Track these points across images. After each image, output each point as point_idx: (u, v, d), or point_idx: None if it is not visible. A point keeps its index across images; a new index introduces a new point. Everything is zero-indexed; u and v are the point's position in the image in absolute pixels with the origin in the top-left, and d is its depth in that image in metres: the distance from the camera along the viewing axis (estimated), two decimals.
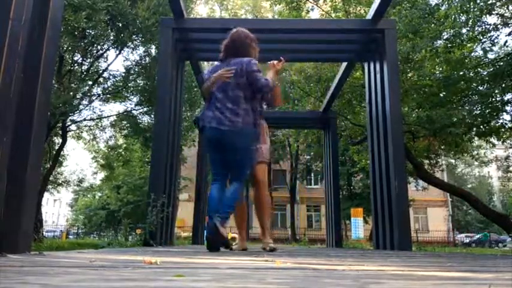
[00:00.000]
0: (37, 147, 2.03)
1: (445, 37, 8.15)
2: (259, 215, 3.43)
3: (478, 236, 26.91)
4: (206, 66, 24.96)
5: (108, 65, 10.59)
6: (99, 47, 9.42)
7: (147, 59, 9.97)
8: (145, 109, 10.98)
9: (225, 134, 2.88)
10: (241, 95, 2.95)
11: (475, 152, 13.86)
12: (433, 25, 7.97)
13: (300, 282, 0.98)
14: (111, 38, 8.80)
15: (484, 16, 7.67)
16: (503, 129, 8.86)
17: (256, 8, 24.29)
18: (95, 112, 11.66)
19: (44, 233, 13.83)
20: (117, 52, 9.76)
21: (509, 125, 8.90)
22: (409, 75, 9.42)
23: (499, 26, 7.91)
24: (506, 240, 25.93)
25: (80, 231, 25.93)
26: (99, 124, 12.86)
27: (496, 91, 8.31)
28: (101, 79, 10.63)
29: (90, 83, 9.95)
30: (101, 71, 10.68)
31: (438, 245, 15.81)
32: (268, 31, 5.47)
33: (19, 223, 1.87)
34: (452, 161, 16.13)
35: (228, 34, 3.28)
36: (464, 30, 7.97)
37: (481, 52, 8.56)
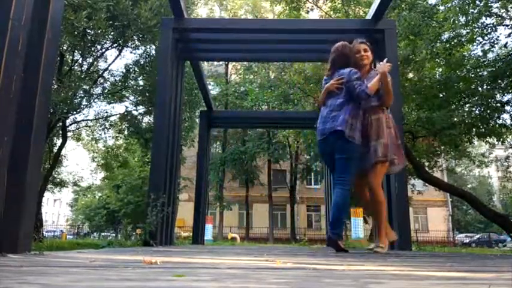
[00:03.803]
0: (37, 147, 2.03)
1: (444, 39, 8.16)
2: (374, 218, 3.44)
3: (503, 237, 26.31)
4: (206, 66, 24.90)
5: (109, 65, 10.60)
6: (99, 47, 9.42)
7: (148, 59, 9.97)
8: (145, 109, 10.98)
9: (325, 140, 3.27)
10: (342, 103, 3.24)
11: (474, 154, 13.85)
12: (432, 27, 7.98)
13: (300, 282, 0.98)
14: (112, 37, 8.81)
15: (483, 17, 7.68)
16: (504, 129, 8.86)
17: (256, 8, 24.30)
18: (99, 113, 11.70)
19: (44, 232, 13.84)
20: (118, 52, 9.77)
21: (510, 124, 8.90)
22: (410, 75, 9.43)
23: (496, 27, 7.92)
24: (506, 240, 25.91)
25: (80, 231, 25.95)
26: (99, 124, 12.85)
27: (496, 92, 8.32)
28: (101, 79, 10.63)
29: (90, 82, 9.95)
30: (101, 71, 10.69)
31: (438, 245, 15.80)
32: (268, 31, 5.47)
33: (19, 223, 1.87)
34: (452, 160, 16.12)
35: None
36: (463, 32, 7.98)
37: (480, 53, 8.57)
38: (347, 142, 3.17)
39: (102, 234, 23.72)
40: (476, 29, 7.95)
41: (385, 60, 3.29)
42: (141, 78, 10.40)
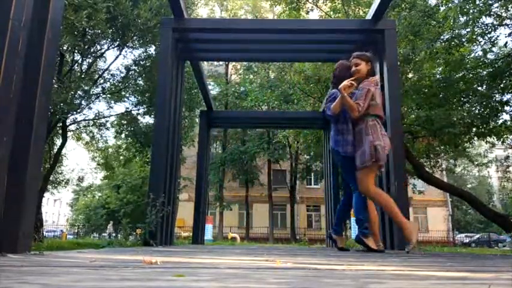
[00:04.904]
0: (37, 147, 2.03)
1: (445, 38, 8.16)
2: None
3: (503, 237, 26.15)
4: (206, 66, 24.91)
5: (109, 65, 10.61)
6: (99, 47, 9.42)
7: (148, 59, 9.97)
8: (145, 109, 10.99)
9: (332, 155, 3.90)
10: (331, 122, 3.80)
11: (474, 153, 13.84)
12: (431, 26, 7.97)
13: (300, 282, 0.98)
14: (112, 38, 8.81)
15: (483, 17, 7.68)
16: (503, 129, 8.85)
17: (256, 8, 24.30)
18: (98, 113, 11.70)
19: (45, 232, 13.83)
20: (118, 52, 9.77)
21: (510, 124, 8.90)
22: (409, 75, 9.43)
23: (496, 26, 7.92)
24: (505, 240, 25.91)
25: (80, 231, 25.94)
26: (98, 124, 12.84)
27: (495, 91, 8.32)
28: (101, 79, 10.63)
29: (90, 83, 9.95)
30: (101, 71, 10.69)
31: (438, 245, 15.81)
32: (268, 31, 5.47)
33: (19, 223, 1.87)
34: (452, 161, 16.14)
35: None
36: (463, 32, 7.98)
37: (480, 53, 8.57)
38: (339, 156, 3.65)
39: (103, 234, 23.68)
40: (477, 29, 7.95)
41: (346, 81, 3.47)
42: (140, 78, 10.41)
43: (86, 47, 8.79)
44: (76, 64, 10.05)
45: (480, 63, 8.56)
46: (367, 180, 3.39)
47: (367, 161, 3.34)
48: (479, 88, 8.72)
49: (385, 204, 3.38)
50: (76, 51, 9.31)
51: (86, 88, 9.54)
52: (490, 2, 7.52)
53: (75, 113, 10.02)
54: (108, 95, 10.97)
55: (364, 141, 3.41)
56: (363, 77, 3.55)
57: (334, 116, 3.61)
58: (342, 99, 3.44)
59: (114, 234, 22.02)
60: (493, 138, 9.32)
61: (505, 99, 8.54)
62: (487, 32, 7.99)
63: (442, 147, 10.84)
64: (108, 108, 11.71)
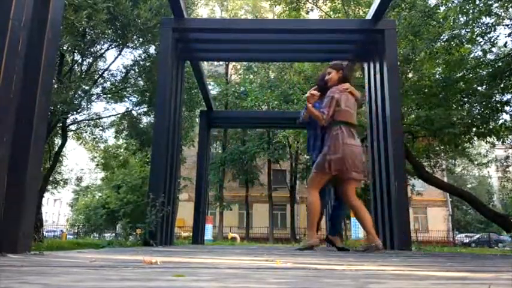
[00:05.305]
0: (37, 147, 2.03)
1: (444, 38, 8.16)
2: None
3: (503, 237, 26.14)
4: (206, 66, 24.92)
5: (109, 65, 10.60)
6: (99, 47, 9.42)
7: (148, 59, 9.97)
8: (145, 109, 10.99)
9: None
10: (307, 127, 4.20)
11: (475, 152, 13.85)
12: (431, 27, 7.98)
13: (300, 282, 0.98)
14: (112, 37, 8.81)
15: (483, 17, 7.68)
16: (503, 129, 8.85)
17: (256, 8, 24.31)
18: (97, 114, 11.70)
19: (45, 232, 13.82)
20: (118, 52, 9.77)
21: (509, 124, 8.89)
22: (409, 75, 9.43)
23: (496, 26, 7.92)
24: (505, 240, 25.89)
25: (80, 231, 25.92)
26: (99, 124, 12.84)
27: (495, 91, 8.32)
28: (101, 79, 10.64)
29: (90, 83, 9.95)
30: (101, 71, 10.69)
31: (438, 245, 15.81)
32: (268, 31, 5.47)
33: (19, 223, 1.87)
34: (452, 161, 16.16)
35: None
36: (463, 32, 7.99)
37: (480, 53, 8.57)
38: (311, 160, 3.98)
39: (112, 234, 23.63)
40: (477, 29, 7.95)
41: (309, 92, 3.75)
42: (140, 78, 10.41)
43: (86, 47, 8.78)
44: (76, 64, 10.04)
45: (480, 63, 8.56)
46: (313, 183, 3.61)
47: (315, 168, 3.58)
48: (479, 88, 8.72)
49: (310, 211, 3.58)
50: (76, 51, 9.31)
51: (86, 88, 9.53)
52: (490, 2, 7.52)
53: (75, 113, 10.01)
54: (109, 95, 10.97)
55: (322, 150, 3.62)
56: (334, 84, 3.73)
57: (305, 122, 3.99)
58: (307, 110, 3.69)
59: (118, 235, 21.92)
60: (493, 138, 9.31)
61: (505, 99, 8.54)
62: (487, 32, 8.00)
63: (442, 147, 10.84)
64: (107, 109, 11.75)
